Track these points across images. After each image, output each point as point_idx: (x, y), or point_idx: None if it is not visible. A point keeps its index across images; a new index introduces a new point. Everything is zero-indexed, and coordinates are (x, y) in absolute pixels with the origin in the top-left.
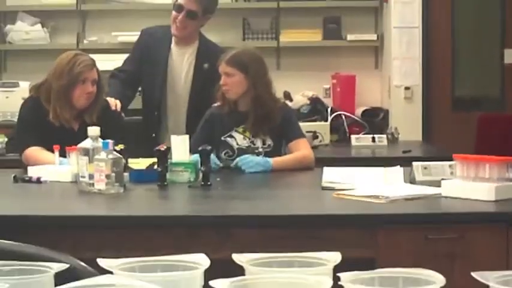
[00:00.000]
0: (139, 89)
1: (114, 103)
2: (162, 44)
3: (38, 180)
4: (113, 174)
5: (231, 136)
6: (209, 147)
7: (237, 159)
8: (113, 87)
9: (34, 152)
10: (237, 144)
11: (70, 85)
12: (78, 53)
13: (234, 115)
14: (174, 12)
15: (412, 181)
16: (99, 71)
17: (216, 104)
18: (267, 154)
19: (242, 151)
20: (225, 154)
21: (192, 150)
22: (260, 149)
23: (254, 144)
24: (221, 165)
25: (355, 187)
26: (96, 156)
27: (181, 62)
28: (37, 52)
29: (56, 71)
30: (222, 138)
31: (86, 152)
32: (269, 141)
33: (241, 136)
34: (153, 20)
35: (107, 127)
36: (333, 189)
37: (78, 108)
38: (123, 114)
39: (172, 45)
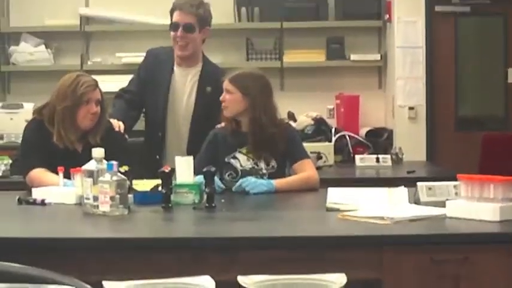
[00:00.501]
0: (144, 109)
1: (117, 124)
2: (165, 65)
3: (43, 202)
4: (118, 196)
5: (235, 157)
6: (213, 169)
7: (240, 181)
8: (117, 107)
9: (38, 174)
10: (241, 165)
11: (74, 106)
12: (80, 74)
13: (237, 136)
14: (172, 33)
15: (417, 202)
16: (101, 92)
17: (219, 125)
18: (271, 175)
19: (246, 173)
20: (228, 176)
21: (196, 172)
22: (264, 171)
23: (258, 166)
24: (224, 187)
25: (359, 208)
26: (101, 178)
27: (184, 84)
28: (41, 73)
29: (59, 93)
30: (226, 159)
31: (90, 173)
32: (273, 163)
33: (245, 157)
34: (157, 41)
35: (111, 148)
36: (337, 210)
37: (82, 129)
38: (126, 136)
39: (175, 67)
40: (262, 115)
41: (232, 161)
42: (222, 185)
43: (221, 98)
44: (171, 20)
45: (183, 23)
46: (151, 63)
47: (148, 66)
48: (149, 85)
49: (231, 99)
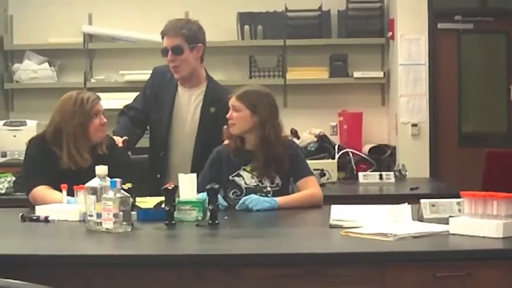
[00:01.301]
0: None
1: (120, 141)
2: (170, 84)
3: (46, 220)
4: (121, 213)
5: (239, 175)
6: (217, 186)
7: (242, 199)
8: (121, 124)
9: (42, 191)
10: (245, 183)
11: (85, 122)
12: (79, 92)
13: (241, 154)
14: (165, 58)
15: (420, 219)
16: None
17: (223, 143)
18: (276, 193)
19: (250, 190)
20: (233, 194)
21: (199, 190)
22: (268, 188)
23: (262, 184)
24: (227, 205)
25: (363, 225)
26: (104, 195)
27: (188, 105)
28: (44, 91)
29: (64, 114)
30: (230, 177)
31: (93, 191)
32: (277, 180)
33: (249, 175)
34: (160, 59)
35: (115, 164)
36: (341, 227)
37: (95, 142)
38: (129, 153)
39: (179, 87)
40: (271, 133)
41: (237, 178)
42: (225, 203)
43: (228, 115)
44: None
45: (170, 47)
46: (157, 81)
47: (154, 84)
48: (153, 103)
49: (239, 117)
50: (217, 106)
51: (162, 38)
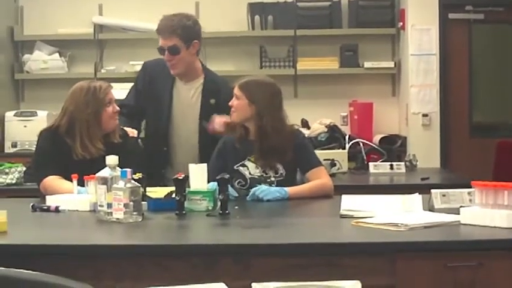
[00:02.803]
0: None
1: (131, 131)
2: (164, 78)
3: (56, 209)
4: (131, 203)
5: (244, 165)
6: (227, 176)
7: (253, 189)
8: (119, 122)
9: (52, 181)
10: (250, 173)
11: (98, 110)
12: (91, 81)
13: (245, 143)
14: (162, 56)
15: (431, 209)
16: None
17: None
18: (280, 183)
19: (255, 180)
20: (238, 184)
21: (208, 180)
22: (272, 178)
23: (266, 174)
24: (237, 195)
25: (373, 215)
26: (115, 185)
27: (187, 98)
28: (55, 81)
29: (77, 104)
30: (235, 167)
31: (104, 181)
32: (281, 171)
33: (254, 165)
34: None
35: (129, 154)
36: (351, 217)
37: (108, 130)
38: (140, 142)
39: (177, 81)
40: (268, 123)
41: (241, 168)
42: (235, 193)
43: (230, 102)
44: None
45: (167, 46)
46: (149, 75)
47: (146, 78)
48: (149, 97)
49: (238, 105)
50: (217, 97)
51: (158, 35)
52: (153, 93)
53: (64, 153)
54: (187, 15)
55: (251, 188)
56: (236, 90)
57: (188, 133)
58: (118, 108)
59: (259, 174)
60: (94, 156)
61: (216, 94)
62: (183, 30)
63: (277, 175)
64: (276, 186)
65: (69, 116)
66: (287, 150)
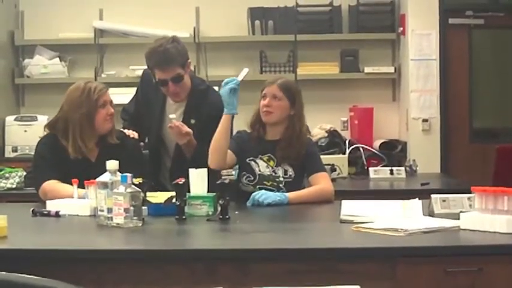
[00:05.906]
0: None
1: (131, 133)
2: (157, 95)
3: (57, 214)
4: (132, 208)
5: (255, 161)
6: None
7: (252, 194)
8: (123, 125)
9: (52, 185)
10: (260, 170)
11: (91, 112)
12: (87, 82)
13: (261, 143)
14: (162, 88)
15: (431, 214)
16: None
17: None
18: (287, 184)
19: (263, 178)
20: (246, 179)
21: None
22: (281, 178)
23: (276, 173)
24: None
25: (373, 220)
26: (115, 190)
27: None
28: (55, 86)
29: (71, 104)
30: (247, 160)
31: (104, 185)
32: (291, 172)
33: (265, 164)
34: None
35: (128, 156)
36: (351, 222)
37: (101, 133)
38: (141, 143)
39: (168, 99)
40: (301, 126)
41: (253, 163)
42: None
43: (266, 102)
44: (154, 75)
45: (170, 77)
46: (146, 85)
47: (143, 89)
48: (144, 110)
49: (279, 106)
50: (197, 118)
51: (152, 69)
52: (146, 106)
53: (63, 158)
54: (172, 38)
55: (258, 185)
56: (276, 90)
57: (177, 150)
58: (112, 110)
59: (268, 173)
60: (90, 161)
61: (196, 114)
62: (180, 56)
63: (286, 176)
64: (284, 186)
65: (63, 116)
66: (302, 154)
